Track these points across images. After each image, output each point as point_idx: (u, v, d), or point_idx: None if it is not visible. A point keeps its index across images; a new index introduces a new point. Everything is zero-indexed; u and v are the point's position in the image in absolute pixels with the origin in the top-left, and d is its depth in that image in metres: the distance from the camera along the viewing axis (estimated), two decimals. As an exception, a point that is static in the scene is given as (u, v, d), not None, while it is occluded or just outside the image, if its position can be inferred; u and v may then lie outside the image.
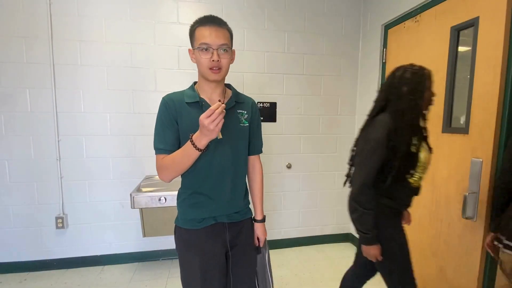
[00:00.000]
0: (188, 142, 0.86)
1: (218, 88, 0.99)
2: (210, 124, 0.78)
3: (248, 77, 2.30)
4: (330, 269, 2.19)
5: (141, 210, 1.92)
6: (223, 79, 1.00)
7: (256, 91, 2.30)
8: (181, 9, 2.12)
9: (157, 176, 2.10)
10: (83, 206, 2.13)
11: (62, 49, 1.99)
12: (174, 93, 1.01)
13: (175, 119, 0.95)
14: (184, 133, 0.94)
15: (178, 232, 1.03)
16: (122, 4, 2.04)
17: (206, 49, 0.91)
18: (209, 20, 0.92)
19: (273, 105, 2.36)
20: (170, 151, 0.94)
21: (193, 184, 0.99)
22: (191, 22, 0.96)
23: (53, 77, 1.99)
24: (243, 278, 1.06)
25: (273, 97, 2.36)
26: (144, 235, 1.98)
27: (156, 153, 0.97)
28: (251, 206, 1.16)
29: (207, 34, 0.90)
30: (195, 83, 1.03)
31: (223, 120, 0.80)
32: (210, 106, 0.90)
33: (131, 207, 1.73)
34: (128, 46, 2.08)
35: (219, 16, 0.95)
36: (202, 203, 0.99)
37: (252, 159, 1.15)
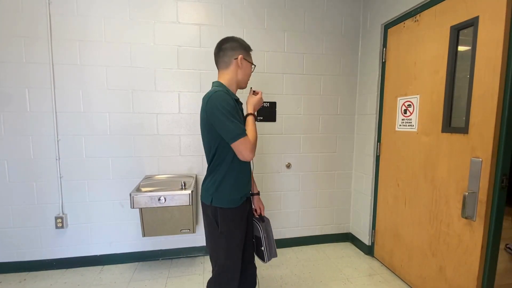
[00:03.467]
0: (252, 118, 1.26)
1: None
2: (261, 100, 1.35)
3: (248, 76, 2.29)
4: (330, 269, 2.19)
5: (141, 210, 1.92)
6: None
7: (256, 91, 2.30)
8: (180, 9, 2.11)
9: (157, 176, 2.14)
10: (83, 206, 2.13)
11: (61, 49, 1.99)
12: (226, 92, 1.19)
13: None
14: None
15: (225, 213, 1.25)
16: (122, 4, 2.04)
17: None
18: None
19: (273, 105, 2.36)
20: None
21: (235, 171, 1.26)
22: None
23: (53, 77, 1.99)
24: (249, 237, 1.42)
25: (272, 96, 2.36)
26: (144, 235, 1.98)
27: (242, 137, 1.15)
28: None
29: None
30: (224, 87, 1.24)
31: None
32: (241, 102, 1.31)
33: (131, 207, 1.73)
34: (128, 46, 2.07)
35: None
36: (240, 185, 1.29)
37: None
